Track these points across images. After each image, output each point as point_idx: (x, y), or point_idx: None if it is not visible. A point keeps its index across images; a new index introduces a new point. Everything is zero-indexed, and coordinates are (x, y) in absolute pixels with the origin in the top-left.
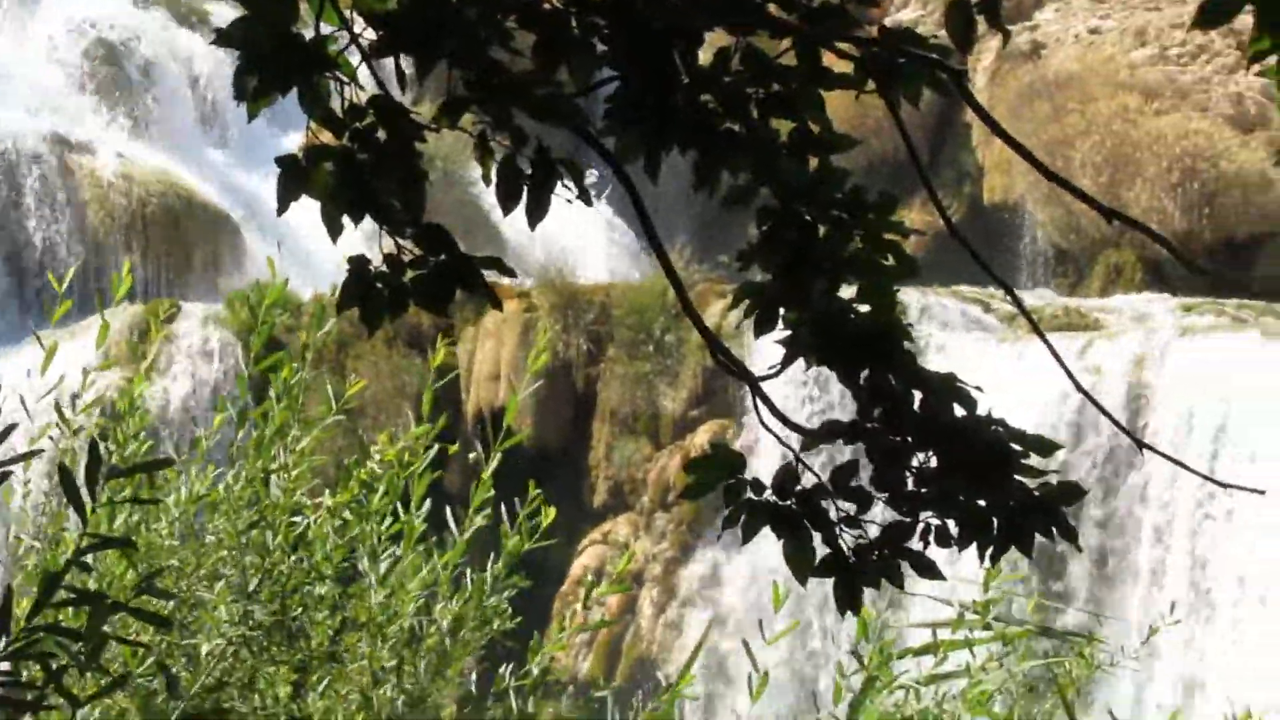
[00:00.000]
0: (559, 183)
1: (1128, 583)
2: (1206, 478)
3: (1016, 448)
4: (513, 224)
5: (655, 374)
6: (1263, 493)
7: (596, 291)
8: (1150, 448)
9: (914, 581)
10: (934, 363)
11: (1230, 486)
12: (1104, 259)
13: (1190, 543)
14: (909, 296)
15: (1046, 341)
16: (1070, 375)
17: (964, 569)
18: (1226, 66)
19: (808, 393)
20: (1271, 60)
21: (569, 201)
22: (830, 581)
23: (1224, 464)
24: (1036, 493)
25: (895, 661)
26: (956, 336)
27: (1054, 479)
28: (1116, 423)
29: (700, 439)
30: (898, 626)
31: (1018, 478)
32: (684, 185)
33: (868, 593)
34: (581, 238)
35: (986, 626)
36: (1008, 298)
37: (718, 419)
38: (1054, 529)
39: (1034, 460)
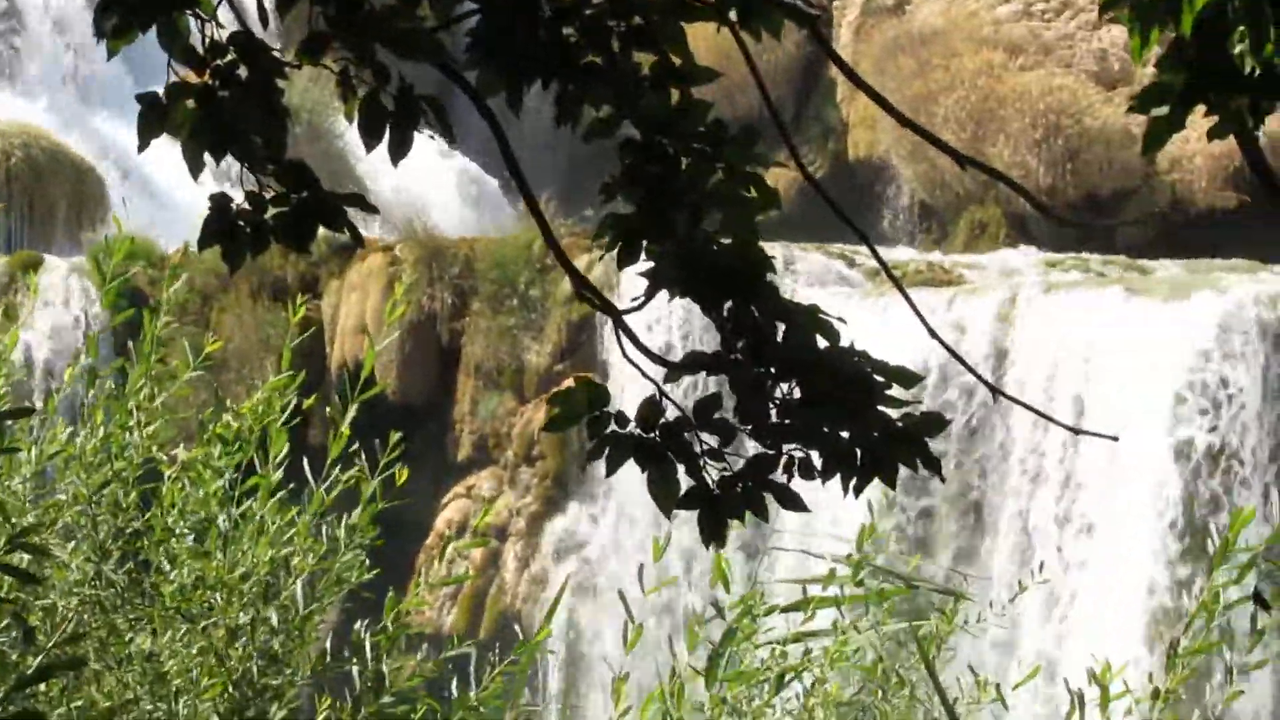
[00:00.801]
0: (422, 121)
1: (994, 539)
2: (1062, 424)
3: (879, 379)
4: (378, 178)
5: (520, 328)
6: (1115, 439)
7: (461, 245)
8: (1004, 394)
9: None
10: None
11: (1083, 433)
12: (968, 215)
13: (1055, 498)
14: (774, 251)
15: (904, 292)
16: (926, 325)
17: (846, 530)
18: (1090, 23)
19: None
20: (1124, 9)
21: (431, 138)
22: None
23: (1088, 418)
24: (900, 424)
25: (763, 619)
26: (821, 292)
27: (918, 410)
28: (974, 372)
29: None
30: (768, 582)
31: (881, 409)
32: (549, 140)
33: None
34: (445, 191)
35: (858, 584)
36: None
37: (582, 373)
38: (918, 460)
39: (896, 391)
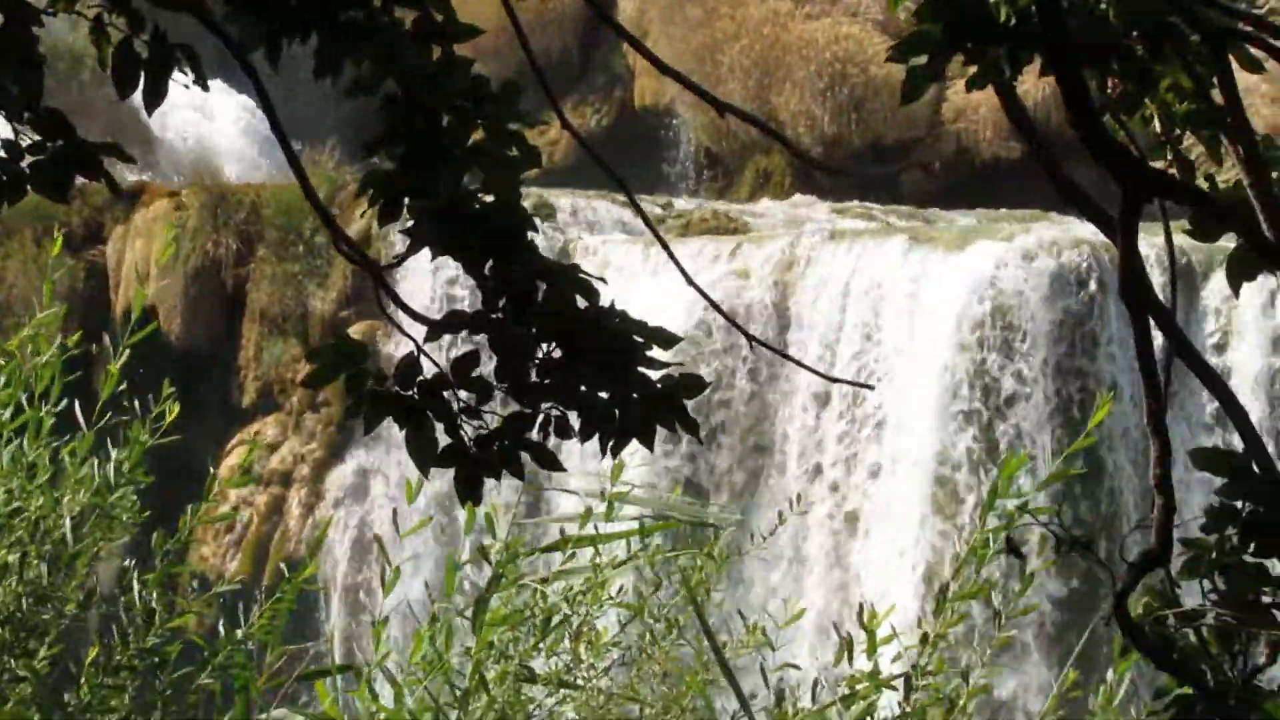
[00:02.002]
0: (176, 69)
1: (779, 480)
2: (817, 372)
3: (639, 339)
4: (166, 126)
5: (305, 274)
6: (871, 388)
7: (246, 191)
8: (763, 344)
9: (564, 477)
10: (583, 266)
11: (839, 380)
12: (754, 164)
13: (840, 442)
14: (559, 199)
15: (664, 243)
16: (686, 275)
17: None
18: None
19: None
20: None
21: (186, 88)
22: None
23: (872, 365)
24: (659, 385)
25: (527, 559)
26: (606, 240)
27: (676, 371)
28: (731, 320)
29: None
30: (539, 523)
31: (641, 370)
32: (333, 88)
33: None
34: (237, 139)
35: (615, 518)
36: (658, 202)
37: (367, 320)
38: (675, 422)
39: (657, 352)
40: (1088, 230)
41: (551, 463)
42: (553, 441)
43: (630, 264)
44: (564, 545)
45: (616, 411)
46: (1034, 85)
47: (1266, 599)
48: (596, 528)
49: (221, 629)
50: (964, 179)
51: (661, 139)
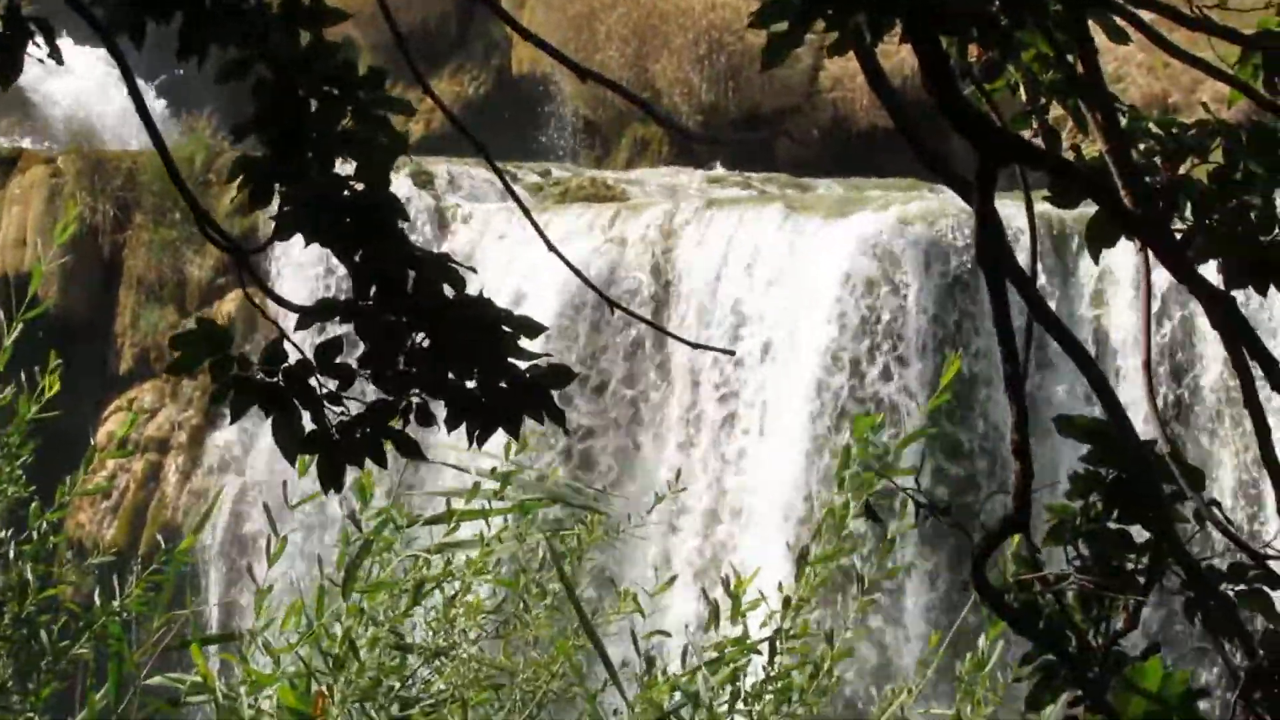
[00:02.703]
0: (30, 41)
1: (659, 451)
2: (681, 339)
3: (507, 329)
4: (43, 93)
5: (182, 241)
6: (732, 353)
7: (124, 158)
8: (630, 313)
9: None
10: (461, 234)
11: (700, 347)
12: (631, 132)
13: (718, 410)
14: (436, 167)
15: (529, 215)
16: (548, 242)
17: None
18: None
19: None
20: None
21: (41, 61)
22: None
23: (748, 333)
24: (527, 374)
25: (408, 529)
26: (484, 207)
27: (544, 361)
28: (596, 289)
29: (227, 307)
30: (421, 494)
31: (510, 359)
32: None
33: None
34: (114, 105)
35: (501, 496)
36: (536, 170)
37: (247, 286)
38: (543, 412)
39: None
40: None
41: (413, 451)
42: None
43: (511, 231)
44: (448, 518)
45: (483, 400)
46: (909, 54)
47: (1129, 565)
48: (485, 504)
49: (97, 599)
50: (841, 147)
51: (540, 107)
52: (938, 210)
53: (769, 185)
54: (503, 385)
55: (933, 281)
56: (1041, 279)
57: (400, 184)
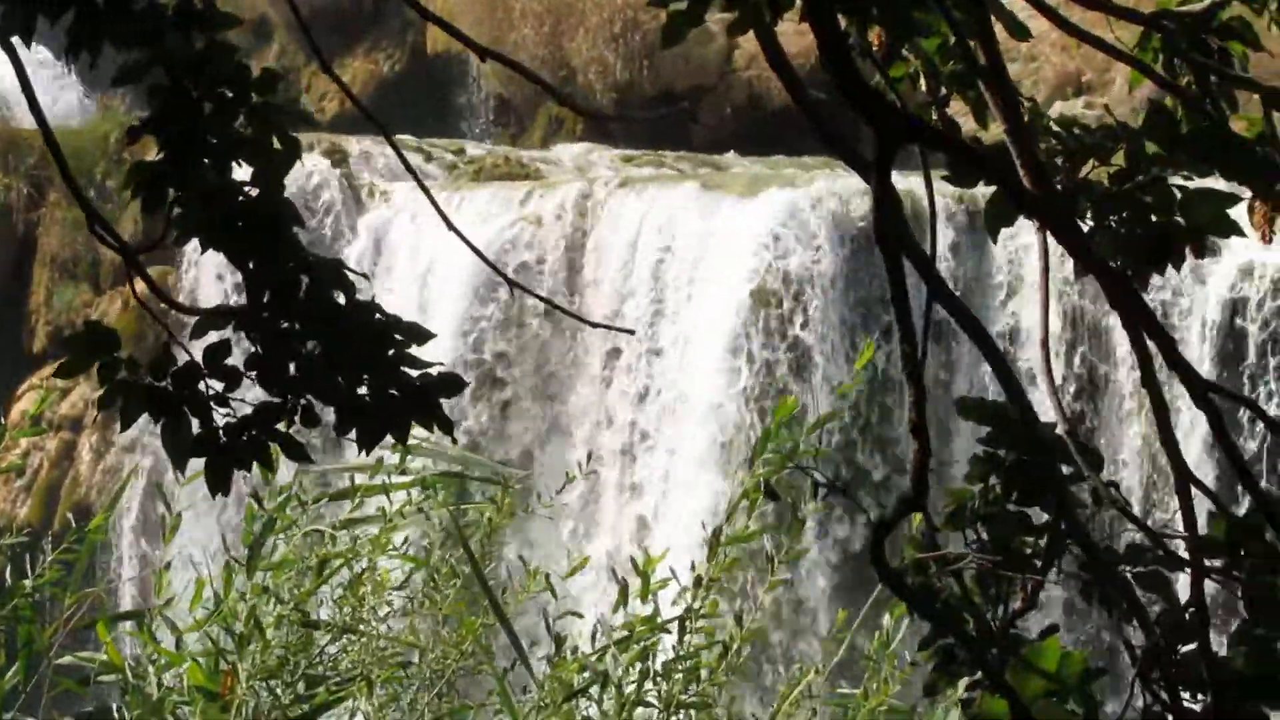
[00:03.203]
0: None
1: (574, 429)
2: (583, 319)
3: (398, 336)
4: None
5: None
6: (632, 332)
7: (37, 136)
8: (528, 291)
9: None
10: (375, 212)
11: (600, 326)
12: (546, 110)
13: (631, 388)
14: (351, 145)
15: (426, 191)
16: (448, 221)
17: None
18: None
19: None
20: None
21: None
22: None
23: (663, 313)
24: (418, 382)
25: (314, 506)
26: (398, 185)
27: (435, 370)
28: (499, 271)
29: (140, 285)
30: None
31: (402, 367)
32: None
33: None
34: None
35: (404, 472)
36: (450, 148)
37: (159, 265)
38: (432, 420)
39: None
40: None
41: (300, 455)
42: None
43: (425, 209)
44: (352, 494)
45: (373, 407)
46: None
47: (1027, 547)
48: (388, 478)
49: (9, 578)
50: (755, 126)
51: (455, 84)
52: (852, 188)
53: (683, 164)
54: (393, 392)
55: (847, 258)
56: (950, 262)
57: (314, 161)
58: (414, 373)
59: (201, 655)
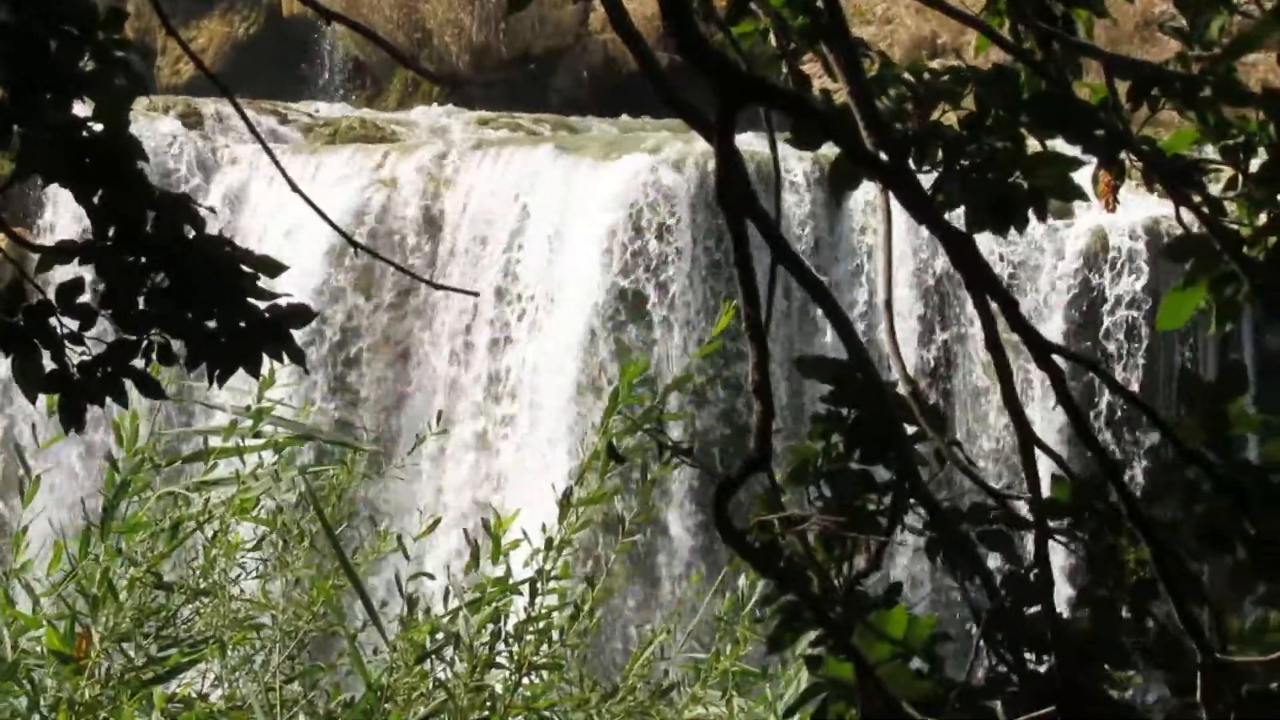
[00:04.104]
0: None
1: (429, 387)
2: (424, 280)
3: (247, 269)
4: None
5: None
6: (476, 294)
7: None
8: (373, 253)
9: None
10: (229, 174)
11: (443, 288)
12: (402, 72)
13: (487, 349)
14: (206, 108)
15: (271, 154)
16: (294, 186)
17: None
18: None
19: None
20: None
21: None
22: None
23: (520, 275)
24: (267, 314)
25: (167, 468)
26: (253, 148)
27: (285, 301)
28: (343, 233)
29: None
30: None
31: (250, 299)
32: None
33: None
34: None
35: (257, 434)
36: (306, 110)
37: (15, 227)
38: (283, 351)
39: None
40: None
41: (154, 390)
42: None
43: (277, 171)
44: (205, 456)
45: (223, 340)
46: None
47: (871, 506)
48: (240, 441)
49: None
50: (613, 89)
51: (310, 47)
52: (709, 151)
53: (540, 126)
54: (242, 325)
55: (704, 221)
56: (810, 225)
57: (168, 124)
58: (263, 305)
59: (57, 618)
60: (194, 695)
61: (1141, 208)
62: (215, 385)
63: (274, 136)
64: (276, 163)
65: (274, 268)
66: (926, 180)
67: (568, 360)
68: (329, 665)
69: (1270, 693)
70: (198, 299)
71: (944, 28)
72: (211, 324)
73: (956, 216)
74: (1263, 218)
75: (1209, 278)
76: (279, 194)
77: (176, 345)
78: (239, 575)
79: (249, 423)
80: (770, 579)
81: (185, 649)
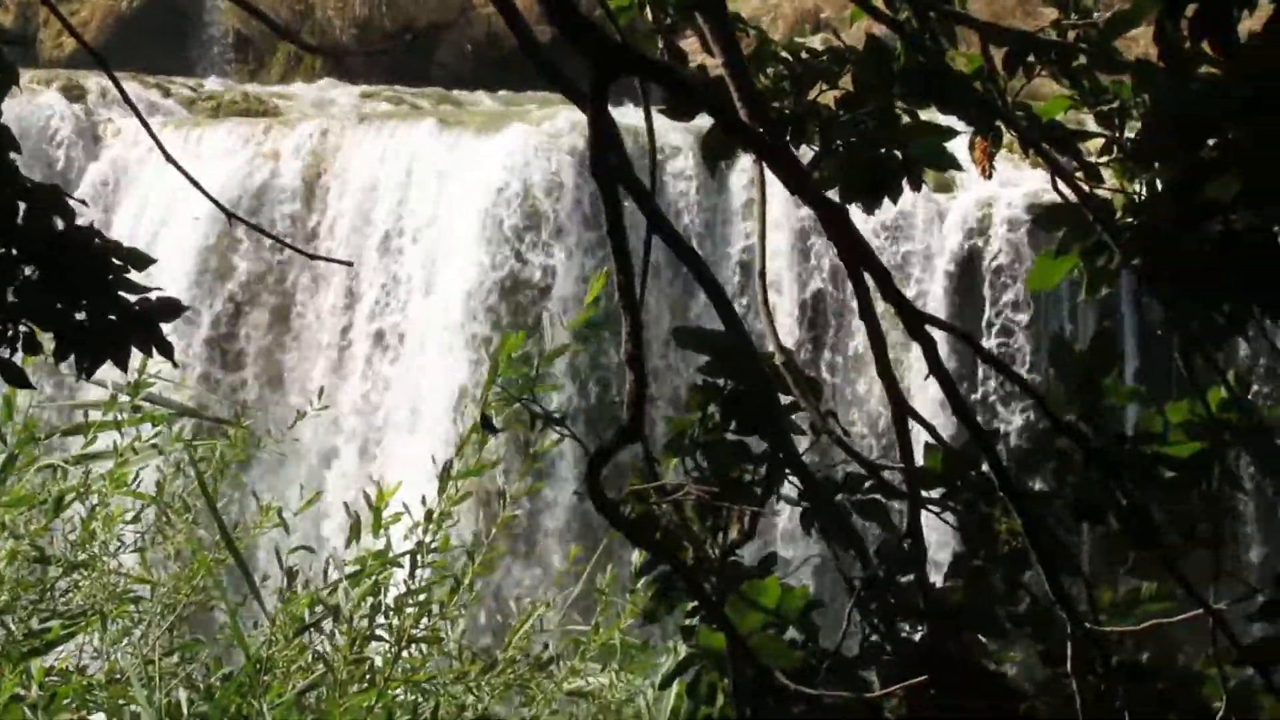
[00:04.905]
0: None
1: (312, 358)
2: (298, 250)
3: (117, 261)
4: None
5: None
6: (350, 264)
7: None
8: (252, 225)
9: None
10: (113, 148)
11: (318, 258)
12: (284, 47)
13: (369, 321)
14: (89, 82)
15: (145, 123)
16: (169, 157)
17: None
18: None
19: None
20: None
21: None
22: None
23: (404, 249)
24: (137, 307)
25: (45, 440)
26: (136, 122)
27: (154, 295)
28: (220, 205)
29: None
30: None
31: (120, 292)
32: None
33: None
34: None
35: (136, 409)
36: (189, 84)
37: None
38: (152, 345)
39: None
40: (619, 114)
41: (19, 379)
42: None
43: (166, 146)
44: (86, 429)
45: (92, 332)
46: None
47: (747, 476)
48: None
49: None
50: (495, 63)
51: (193, 20)
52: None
53: (422, 100)
54: (112, 317)
55: (586, 194)
56: (692, 196)
57: (50, 97)
58: (133, 298)
59: None
60: (72, 668)
61: (1027, 181)
62: (84, 377)
63: (157, 110)
64: (153, 135)
65: (141, 260)
66: (805, 158)
67: (453, 331)
68: (209, 638)
69: (1140, 663)
70: (67, 291)
71: (828, 2)
72: (80, 316)
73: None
74: (1138, 184)
75: (1081, 247)
76: (161, 168)
77: (45, 336)
78: (118, 548)
79: (127, 398)
80: (643, 549)
81: (64, 622)
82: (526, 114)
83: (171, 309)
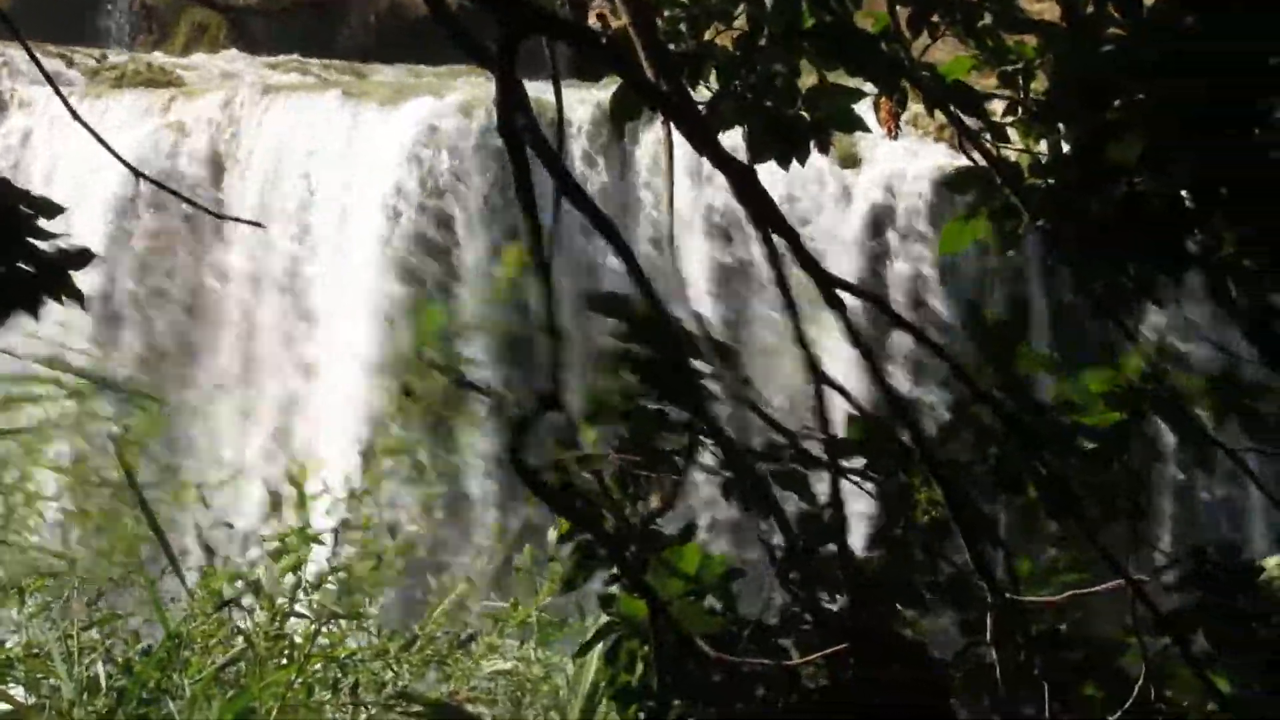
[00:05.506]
0: None
1: (220, 335)
2: (213, 212)
3: (25, 210)
4: None
5: None
6: (262, 225)
7: None
8: (167, 188)
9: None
10: (17, 118)
11: (227, 219)
12: (189, 16)
13: (281, 296)
14: None
15: (61, 96)
16: (83, 123)
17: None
18: None
19: None
20: None
21: None
22: None
23: (311, 222)
24: (47, 256)
25: None
26: (40, 91)
27: (66, 243)
28: (132, 168)
29: None
30: None
31: (29, 240)
32: None
33: None
34: None
35: (57, 383)
36: (93, 54)
37: None
38: (63, 293)
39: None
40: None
41: None
42: None
43: (66, 116)
44: (2, 404)
45: (2, 281)
46: None
47: (666, 445)
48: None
49: None
50: (399, 34)
51: None
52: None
53: (327, 72)
54: (21, 266)
55: (492, 165)
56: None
57: None
58: (44, 246)
59: None
60: None
61: (938, 150)
62: None
63: (59, 80)
64: (64, 100)
65: (52, 209)
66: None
67: (363, 305)
68: (128, 613)
69: (1059, 632)
70: None
71: None
72: None
73: (740, 151)
74: (1044, 145)
75: (989, 209)
76: (69, 138)
77: None
78: (37, 524)
79: (42, 370)
80: (564, 517)
81: None
82: (431, 86)
83: (82, 256)
